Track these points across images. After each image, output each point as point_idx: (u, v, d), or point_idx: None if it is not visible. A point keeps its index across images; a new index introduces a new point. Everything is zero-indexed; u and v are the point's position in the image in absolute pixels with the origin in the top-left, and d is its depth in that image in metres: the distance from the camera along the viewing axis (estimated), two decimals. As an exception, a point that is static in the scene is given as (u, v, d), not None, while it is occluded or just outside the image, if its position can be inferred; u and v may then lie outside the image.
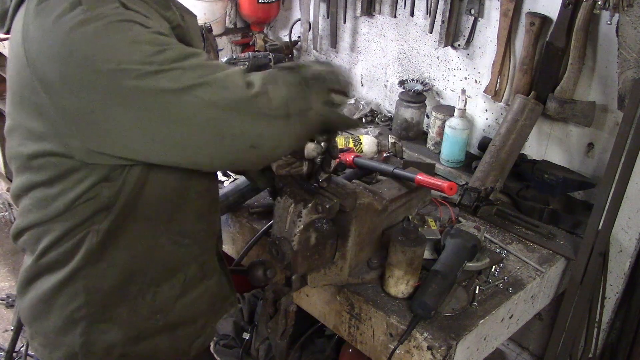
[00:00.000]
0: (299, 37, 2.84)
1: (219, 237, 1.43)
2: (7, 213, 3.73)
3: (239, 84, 1.06)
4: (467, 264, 1.60)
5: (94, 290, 1.24)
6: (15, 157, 1.17)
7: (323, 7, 2.66)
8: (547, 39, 1.96)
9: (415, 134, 2.40)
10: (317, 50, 2.80)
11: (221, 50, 2.78)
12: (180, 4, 1.30)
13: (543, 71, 1.99)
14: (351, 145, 2.14)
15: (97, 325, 1.26)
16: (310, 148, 1.32)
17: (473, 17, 2.17)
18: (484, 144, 2.13)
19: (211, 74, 1.04)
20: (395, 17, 2.44)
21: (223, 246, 1.97)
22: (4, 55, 2.95)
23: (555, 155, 2.11)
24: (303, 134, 1.19)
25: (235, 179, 1.95)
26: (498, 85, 2.16)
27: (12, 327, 1.65)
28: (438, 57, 2.36)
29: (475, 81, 2.27)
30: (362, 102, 2.59)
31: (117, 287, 1.24)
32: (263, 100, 1.08)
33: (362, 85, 2.71)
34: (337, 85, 1.24)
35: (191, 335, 1.39)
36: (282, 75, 1.14)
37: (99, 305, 1.25)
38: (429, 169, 1.97)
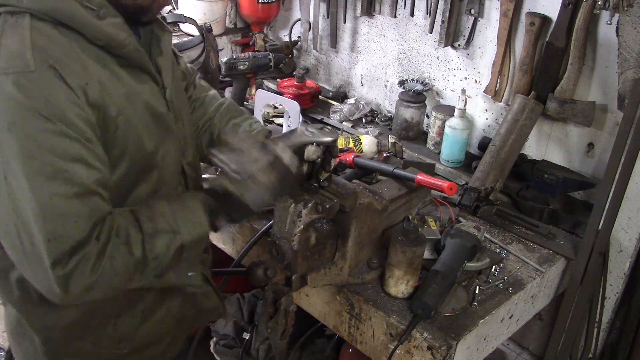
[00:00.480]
0: (299, 37, 2.84)
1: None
2: None
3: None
4: (467, 264, 1.60)
5: (52, 327, 1.24)
6: None
7: (323, 7, 2.66)
8: (547, 39, 1.96)
9: (415, 134, 2.40)
10: (317, 50, 2.80)
11: (221, 50, 2.78)
12: (158, 20, 1.27)
13: (543, 71, 1.99)
14: (351, 145, 2.14)
15: (61, 359, 1.28)
16: (311, 151, 1.31)
17: (473, 17, 2.17)
18: (484, 144, 2.13)
19: None
20: (395, 17, 2.44)
21: (223, 246, 1.98)
22: None
23: (555, 155, 2.11)
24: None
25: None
26: (498, 85, 2.16)
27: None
28: (438, 57, 2.36)
29: (475, 81, 2.27)
30: (362, 102, 2.58)
31: (76, 323, 1.24)
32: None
33: (362, 85, 2.71)
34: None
35: (159, 353, 1.40)
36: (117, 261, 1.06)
37: (59, 341, 1.26)
38: (429, 169, 1.97)
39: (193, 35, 2.68)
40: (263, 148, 1.22)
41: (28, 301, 1.21)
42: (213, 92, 1.63)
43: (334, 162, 1.39)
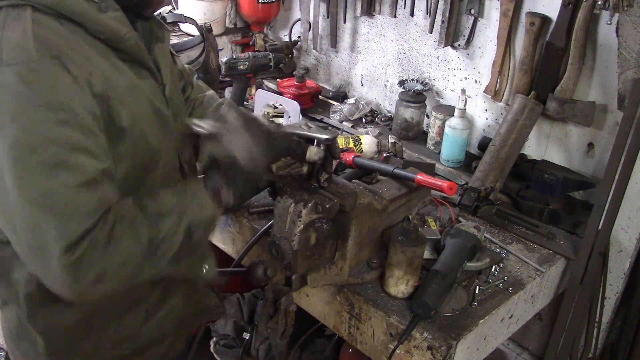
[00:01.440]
0: (299, 37, 2.84)
1: None
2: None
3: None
4: (467, 264, 1.60)
5: (55, 328, 1.24)
6: None
7: (323, 7, 2.66)
8: (547, 39, 1.96)
9: (415, 134, 2.40)
10: (317, 50, 2.80)
11: (221, 50, 2.78)
12: (156, 19, 1.28)
13: (543, 71, 1.99)
14: (351, 145, 2.14)
15: None
16: (313, 152, 1.31)
17: (473, 17, 2.17)
18: (484, 144, 2.13)
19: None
20: (395, 17, 2.44)
21: (223, 246, 1.98)
22: None
23: (555, 155, 2.11)
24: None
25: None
26: (498, 85, 2.16)
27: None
28: (438, 57, 2.36)
29: (475, 81, 2.27)
30: (362, 102, 2.58)
31: (79, 324, 1.24)
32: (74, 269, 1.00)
33: (362, 85, 2.71)
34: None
35: (160, 353, 1.39)
36: (132, 234, 1.04)
37: (61, 342, 1.25)
38: (429, 169, 1.97)
39: (193, 35, 2.68)
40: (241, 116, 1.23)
41: (31, 301, 1.20)
42: (211, 92, 1.63)
43: (334, 163, 1.39)
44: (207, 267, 1.22)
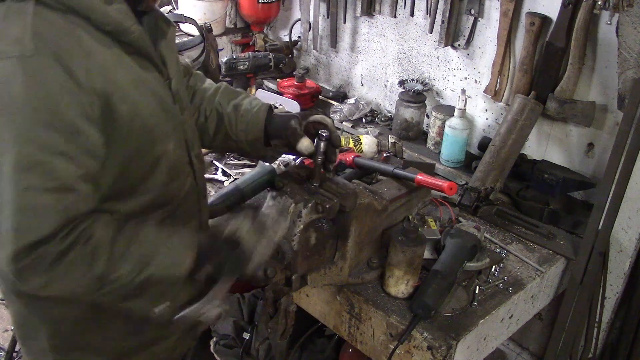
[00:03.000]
0: (299, 37, 2.84)
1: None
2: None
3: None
4: (467, 264, 1.60)
5: (61, 320, 1.23)
6: None
7: (323, 7, 2.66)
8: (547, 39, 1.96)
9: (415, 134, 2.40)
10: (317, 50, 2.80)
11: (221, 50, 2.78)
12: (161, 13, 1.28)
13: (543, 71, 1.99)
14: (351, 145, 2.14)
15: (69, 353, 1.27)
16: (304, 145, 1.37)
17: (473, 17, 2.17)
18: (484, 144, 2.13)
19: None
20: (395, 17, 2.44)
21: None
22: None
23: (555, 155, 2.11)
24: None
25: (235, 179, 1.95)
26: (498, 85, 2.16)
27: (12, 327, 1.66)
28: (438, 57, 2.36)
29: (475, 81, 2.27)
30: (362, 102, 2.59)
31: (87, 316, 1.23)
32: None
33: (362, 85, 2.71)
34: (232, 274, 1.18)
35: (167, 349, 1.39)
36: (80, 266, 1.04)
37: (68, 335, 1.25)
38: (429, 169, 1.97)
39: (193, 35, 2.68)
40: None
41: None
42: (208, 80, 1.66)
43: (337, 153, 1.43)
44: (161, 307, 1.19)
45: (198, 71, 1.67)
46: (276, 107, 2.35)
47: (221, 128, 1.51)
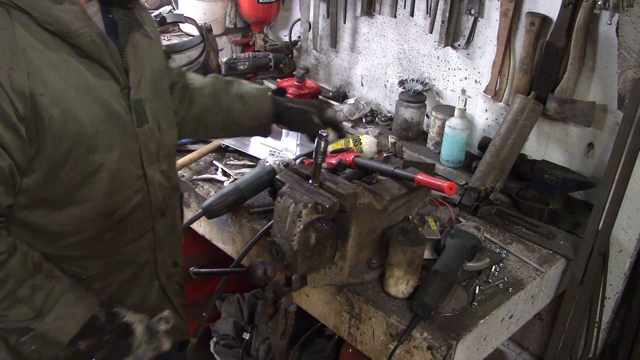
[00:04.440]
0: (299, 37, 2.84)
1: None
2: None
3: None
4: (467, 264, 1.60)
5: None
6: None
7: (323, 7, 2.66)
8: (547, 39, 1.96)
9: (415, 134, 2.40)
10: (317, 50, 2.80)
11: (221, 50, 2.78)
12: (138, 21, 1.25)
13: (543, 71, 1.99)
14: (351, 145, 2.14)
15: None
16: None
17: (473, 17, 2.17)
18: (484, 144, 2.13)
19: None
20: (395, 17, 2.44)
21: (223, 246, 1.98)
22: None
23: (555, 155, 2.11)
24: None
25: (235, 179, 1.95)
26: (498, 85, 2.16)
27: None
28: (438, 57, 2.36)
29: (475, 81, 2.27)
30: (362, 102, 2.59)
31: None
32: None
33: (362, 85, 2.71)
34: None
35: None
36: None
37: None
38: (429, 169, 1.97)
39: (193, 35, 2.68)
40: None
41: None
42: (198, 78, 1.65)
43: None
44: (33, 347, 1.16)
45: (193, 74, 1.65)
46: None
47: (192, 102, 1.53)
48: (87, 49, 1.11)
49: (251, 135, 1.74)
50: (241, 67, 2.44)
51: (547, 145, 2.13)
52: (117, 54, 1.18)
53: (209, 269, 1.76)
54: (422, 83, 2.38)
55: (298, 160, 1.98)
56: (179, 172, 2.02)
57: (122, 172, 1.21)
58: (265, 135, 1.69)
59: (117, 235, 1.25)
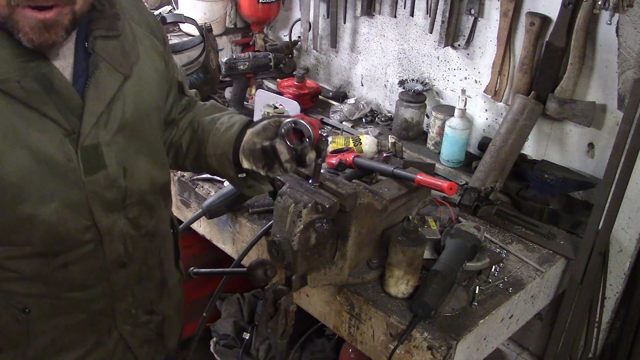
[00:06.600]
0: (299, 37, 2.84)
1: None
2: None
3: None
4: (467, 264, 1.60)
5: None
6: None
7: (323, 7, 2.66)
8: (547, 39, 1.96)
9: (415, 134, 2.40)
10: (317, 50, 2.80)
11: (221, 50, 2.78)
12: (105, 59, 1.12)
13: (543, 71, 1.99)
14: (351, 145, 2.14)
15: None
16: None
17: (473, 17, 2.17)
18: (484, 144, 2.13)
19: None
20: (395, 17, 2.44)
21: (223, 246, 1.98)
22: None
23: (555, 155, 2.11)
24: None
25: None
26: (498, 85, 2.16)
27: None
28: (438, 57, 2.36)
29: (475, 81, 2.27)
30: (362, 102, 2.59)
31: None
32: None
33: (362, 85, 2.71)
34: None
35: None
36: None
37: None
38: (429, 169, 1.97)
39: (193, 35, 2.68)
40: None
41: None
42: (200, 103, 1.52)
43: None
44: None
45: (203, 102, 1.52)
46: (276, 108, 2.36)
47: (194, 142, 1.40)
48: (15, 95, 1.01)
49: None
50: (241, 67, 2.44)
51: (547, 145, 2.13)
52: (68, 96, 1.07)
53: (209, 269, 1.76)
54: (422, 83, 2.38)
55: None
56: (179, 172, 2.01)
57: (63, 223, 1.10)
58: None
59: (62, 281, 1.15)
